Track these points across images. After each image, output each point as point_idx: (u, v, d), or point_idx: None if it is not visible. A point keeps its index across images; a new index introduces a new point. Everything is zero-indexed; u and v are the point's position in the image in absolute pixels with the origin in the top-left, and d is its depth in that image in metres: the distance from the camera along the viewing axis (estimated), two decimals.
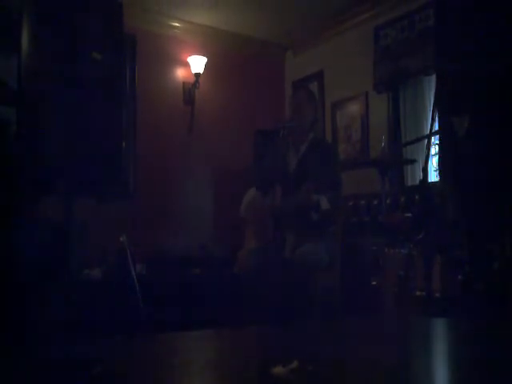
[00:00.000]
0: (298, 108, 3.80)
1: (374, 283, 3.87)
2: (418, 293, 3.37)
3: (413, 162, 4.78)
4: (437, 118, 3.44)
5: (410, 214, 4.09)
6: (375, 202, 5.12)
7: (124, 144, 3.13)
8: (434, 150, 4.94)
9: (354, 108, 5.99)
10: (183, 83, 6.12)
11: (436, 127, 3.44)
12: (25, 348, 1.91)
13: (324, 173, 3.60)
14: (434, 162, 5.07)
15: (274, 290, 3.33)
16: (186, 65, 6.07)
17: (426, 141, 3.36)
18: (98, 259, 4.61)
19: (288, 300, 3.31)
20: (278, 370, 1.18)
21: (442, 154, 3.71)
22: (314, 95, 4.11)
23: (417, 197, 4.71)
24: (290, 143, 3.84)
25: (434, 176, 5.01)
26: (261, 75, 6.60)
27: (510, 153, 3.03)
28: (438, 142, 4.32)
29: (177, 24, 6.11)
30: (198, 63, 6.00)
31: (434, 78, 4.93)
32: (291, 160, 3.83)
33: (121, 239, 4.09)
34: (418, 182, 3.97)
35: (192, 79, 6.05)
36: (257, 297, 3.36)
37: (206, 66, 6.05)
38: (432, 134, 3.36)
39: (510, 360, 1.43)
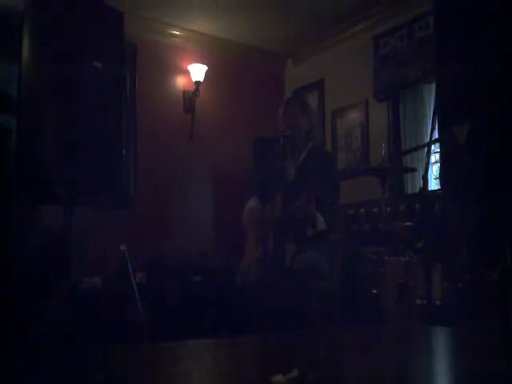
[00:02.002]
0: (292, 120, 3.79)
1: (375, 291, 3.87)
2: (418, 301, 3.37)
3: (413, 170, 4.79)
4: (437, 126, 3.44)
5: (410, 222, 4.09)
6: (375, 210, 5.11)
7: (124, 152, 3.14)
8: (434, 158, 4.95)
9: (354, 116, 6.00)
10: (183, 91, 6.13)
11: (436, 135, 3.45)
12: (25, 358, 1.91)
13: (323, 181, 3.59)
14: (434, 170, 5.08)
15: (275, 299, 3.32)
16: (187, 73, 6.09)
17: (426, 149, 3.36)
18: (98, 267, 4.61)
19: (288, 309, 3.30)
20: (278, 378, 1.18)
21: (442, 162, 3.72)
22: (308, 104, 4.09)
23: (417, 205, 4.71)
24: (288, 152, 3.83)
25: (433, 184, 5.02)
26: (261, 83, 6.61)
27: (509, 161, 3.04)
28: (438, 150, 4.33)
29: (177, 32, 6.13)
30: (198, 71, 6.02)
31: (433, 85, 4.94)
32: (290, 169, 3.82)
33: (121, 247, 4.08)
34: (418, 190, 3.97)
35: (192, 87, 6.07)
36: (257, 306, 3.35)
37: (207, 74, 6.07)
38: (432, 142, 3.36)
39: (509, 368, 1.43)
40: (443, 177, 3.62)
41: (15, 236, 2.82)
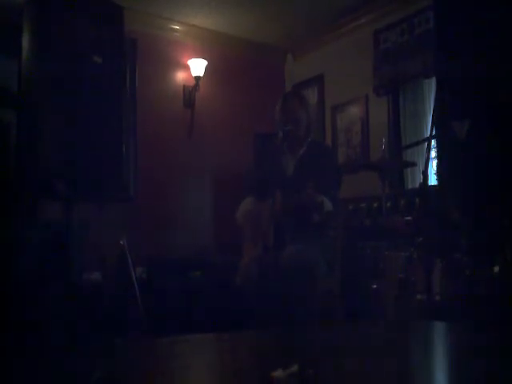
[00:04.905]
0: (291, 114, 3.78)
1: (375, 286, 3.87)
2: (418, 296, 3.37)
3: (413, 165, 4.78)
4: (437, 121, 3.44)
5: (410, 217, 4.08)
6: (375, 205, 5.11)
7: (124, 147, 3.13)
8: (434, 153, 4.95)
9: (354, 111, 5.99)
10: (183, 86, 6.12)
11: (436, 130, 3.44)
12: (25, 354, 1.91)
13: (323, 175, 3.58)
14: (434, 165, 5.08)
15: (274, 296, 3.31)
16: (187, 68, 6.08)
17: (426, 144, 3.35)
18: (98, 263, 4.61)
19: (287, 304, 3.29)
20: (278, 373, 1.18)
21: (440, 158, 3.71)
22: (305, 99, 4.08)
23: (417, 200, 4.71)
24: (285, 147, 3.82)
25: (434, 179, 5.01)
26: (261, 78, 6.60)
27: (510, 156, 3.03)
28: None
29: (177, 27, 6.12)
30: (198, 66, 6.01)
31: (434, 80, 4.94)
32: (288, 164, 3.82)
33: (121, 242, 4.09)
34: (418, 184, 3.97)
35: (192, 82, 6.06)
36: (257, 304, 3.35)
37: (207, 69, 6.06)
38: (432, 137, 3.36)
39: (509, 363, 1.43)
40: (441, 172, 3.62)
41: (15, 232, 2.81)
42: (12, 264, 2.69)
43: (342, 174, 3.94)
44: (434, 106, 3.56)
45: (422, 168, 3.23)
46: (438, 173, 3.70)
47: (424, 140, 4.52)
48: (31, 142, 2.60)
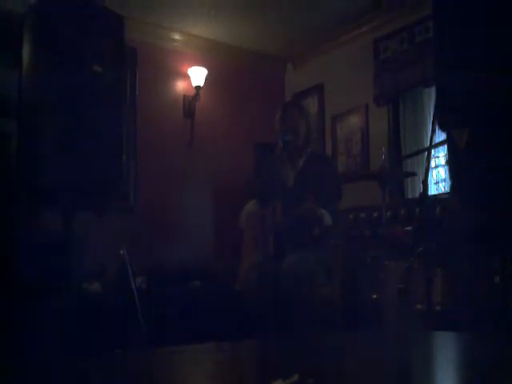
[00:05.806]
0: (291, 124, 3.78)
1: (375, 296, 3.86)
2: (418, 306, 3.36)
3: (413, 174, 4.78)
4: (438, 131, 3.44)
5: (410, 227, 4.08)
6: (375, 215, 5.11)
7: (124, 157, 3.13)
8: (434, 162, 4.96)
9: (354, 121, 6.00)
10: (184, 96, 6.13)
11: (436, 140, 3.44)
12: (24, 364, 1.91)
13: (324, 186, 3.59)
14: (433, 175, 5.08)
15: (274, 305, 3.30)
16: (187, 77, 6.09)
17: (426, 153, 3.36)
18: (98, 273, 4.61)
19: (286, 313, 3.29)
20: (278, 383, 1.17)
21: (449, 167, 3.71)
22: (305, 109, 4.09)
23: (417, 210, 4.71)
24: (285, 157, 3.83)
25: (433, 189, 5.02)
26: (261, 88, 6.62)
27: (510, 164, 3.03)
28: (439, 154, 4.34)
29: (177, 37, 6.14)
30: (198, 75, 6.02)
31: (434, 89, 4.94)
32: (289, 174, 3.82)
33: (121, 252, 4.08)
34: (418, 194, 3.97)
35: (192, 92, 6.07)
36: (257, 312, 3.34)
37: (207, 78, 6.07)
38: (432, 146, 3.36)
39: (509, 374, 1.42)
40: (451, 181, 3.62)
41: (14, 242, 2.81)
42: (11, 274, 2.69)
43: (342, 184, 3.94)
44: (434, 114, 3.56)
45: (421, 178, 3.23)
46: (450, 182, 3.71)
47: (424, 149, 4.52)
48: (31, 152, 2.60)
